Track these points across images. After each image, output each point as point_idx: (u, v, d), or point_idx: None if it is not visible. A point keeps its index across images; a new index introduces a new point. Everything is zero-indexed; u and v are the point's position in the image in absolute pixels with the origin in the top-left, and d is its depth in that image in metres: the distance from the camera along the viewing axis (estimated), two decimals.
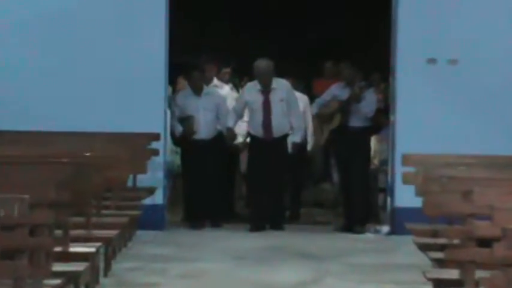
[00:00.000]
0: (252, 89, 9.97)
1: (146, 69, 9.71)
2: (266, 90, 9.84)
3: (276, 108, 9.80)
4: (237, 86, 11.09)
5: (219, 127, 10.03)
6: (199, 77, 10.18)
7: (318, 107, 10.01)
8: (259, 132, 9.84)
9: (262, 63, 9.89)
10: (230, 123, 9.90)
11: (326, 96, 9.98)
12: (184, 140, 10.10)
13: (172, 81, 10.73)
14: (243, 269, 7.92)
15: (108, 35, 9.70)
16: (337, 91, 9.90)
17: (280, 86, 9.94)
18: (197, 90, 10.07)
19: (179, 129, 10.04)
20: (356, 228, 9.77)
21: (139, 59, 9.66)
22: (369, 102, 9.81)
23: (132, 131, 9.15)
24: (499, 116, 9.55)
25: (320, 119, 10.04)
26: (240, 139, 10.19)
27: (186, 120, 9.97)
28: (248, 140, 10.14)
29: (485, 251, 4.71)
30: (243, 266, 8.04)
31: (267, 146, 9.81)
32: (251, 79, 10.28)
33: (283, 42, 13.36)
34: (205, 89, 10.16)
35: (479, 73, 9.61)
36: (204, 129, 9.93)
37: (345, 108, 9.74)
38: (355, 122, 9.81)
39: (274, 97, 9.83)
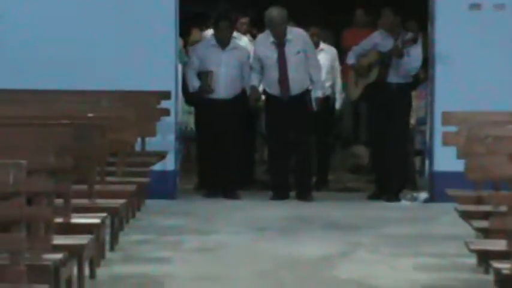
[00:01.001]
0: (264, 42, 9.95)
1: (155, 20, 9.73)
2: (280, 42, 9.79)
3: (293, 63, 9.77)
4: (256, 38, 11.04)
5: (242, 86, 9.98)
6: (228, 27, 10.07)
7: (356, 56, 9.90)
8: (275, 90, 9.82)
9: (274, 12, 9.81)
10: (254, 81, 9.87)
11: (366, 44, 9.93)
12: (200, 98, 10.06)
13: (183, 33, 10.69)
14: (264, 242, 7.99)
15: None
16: (378, 39, 9.84)
17: (296, 36, 9.88)
18: (223, 43, 9.97)
19: (195, 85, 9.95)
20: (391, 196, 9.81)
21: (147, 9, 9.67)
22: (414, 58, 9.72)
23: (139, 89, 9.18)
24: None
25: (356, 71, 9.93)
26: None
27: (204, 76, 9.91)
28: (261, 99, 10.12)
29: None
30: (264, 239, 8.11)
31: (286, 105, 9.80)
32: None
33: None
34: (233, 42, 10.10)
35: None
36: (224, 88, 9.89)
37: (386, 61, 9.69)
38: (395, 78, 9.77)
39: (290, 50, 9.79)
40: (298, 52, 9.78)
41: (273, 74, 9.77)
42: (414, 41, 9.67)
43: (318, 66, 9.96)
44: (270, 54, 9.80)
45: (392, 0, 10.58)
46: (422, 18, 10.23)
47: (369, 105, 10.35)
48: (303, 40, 9.92)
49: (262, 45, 9.94)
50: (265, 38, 9.94)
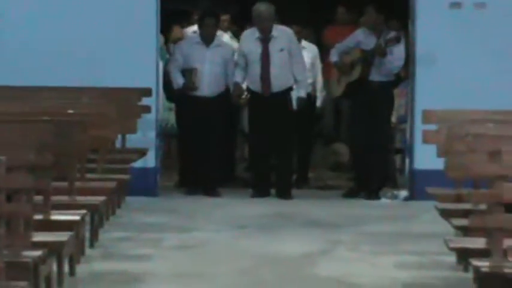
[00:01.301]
0: (250, 38, 9.94)
1: (136, 16, 9.69)
2: (265, 38, 9.79)
3: (276, 59, 9.76)
4: (237, 35, 11.01)
5: (226, 83, 9.98)
6: (214, 24, 10.05)
7: (338, 54, 9.91)
8: (257, 86, 9.81)
9: (262, 7, 9.81)
10: (238, 78, 9.88)
11: (348, 42, 9.94)
12: (183, 95, 10.03)
13: (164, 30, 10.66)
14: (245, 239, 7.99)
15: None
16: (361, 37, 9.85)
17: (282, 34, 9.89)
18: (208, 40, 9.97)
19: (179, 82, 9.92)
20: (371, 194, 9.83)
21: (128, 5, 9.65)
22: (397, 57, 9.74)
23: (120, 86, 9.15)
24: None
25: (339, 68, 9.93)
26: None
27: (188, 73, 9.90)
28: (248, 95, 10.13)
29: None
30: (245, 236, 8.11)
31: (267, 102, 9.79)
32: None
33: None
34: (217, 39, 10.09)
35: (510, 18, 9.59)
36: (208, 85, 9.87)
37: (368, 59, 9.70)
38: (377, 77, 9.78)
39: (274, 46, 9.79)
40: (282, 49, 9.77)
41: (256, 69, 9.77)
42: (397, 40, 9.65)
43: (303, 66, 9.97)
44: (255, 49, 9.80)
45: None
46: (404, 16, 10.25)
47: (351, 103, 10.34)
48: (287, 38, 9.91)
49: (248, 41, 9.94)
50: (251, 33, 9.94)
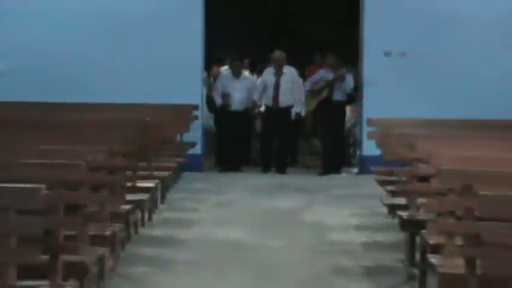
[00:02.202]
0: (269, 72, 9.83)
1: (187, 60, 9.58)
2: (278, 73, 9.72)
3: (283, 87, 9.68)
4: (252, 72, 10.97)
5: (248, 103, 9.90)
6: (239, 65, 10.07)
7: (311, 84, 9.82)
8: (270, 102, 9.76)
9: (277, 54, 9.75)
10: (256, 97, 9.85)
11: (316, 77, 9.83)
12: (221, 109, 10.00)
13: (206, 67, 10.58)
14: (256, 199, 7.98)
15: (161, 34, 9.50)
16: (324, 73, 9.76)
17: (289, 71, 9.80)
18: (237, 75, 9.93)
19: (219, 102, 9.90)
20: (335, 171, 9.77)
21: (183, 54, 9.51)
22: (349, 82, 9.68)
23: (179, 103, 9.05)
24: (438, 93, 9.44)
25: (312, 93, 9.94)
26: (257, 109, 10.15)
27: (225, 96, 9.86)
28: (262, 109, 10.04)
29: (424, 184, 4.76)
30: (256, 197, 8.09)
31: (276, 113, 9.73)
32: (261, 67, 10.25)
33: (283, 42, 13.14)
34: (242, 74, 10.07)
35: (422, 62, 9.49)
36: (237, 104, 9.83)
37: (331, 85, 9.62)
38: (338, 96, 9.70)
39: (284, 79, 9.71)
40: (287, 82, 9.72)
41: (270, 92, 9.70)
42: (347, 72, 9.69)
43: (300, 92, 9.84)
44: (270, 80, 9.72)
45: (333, 43, 10.58)
46: (355, 59, 10.16)
47: (320, 114, 10.26)
48: (293, 74, 9.85)
49: (267, 74, 9.82)
50: (270, 69, 9.83)
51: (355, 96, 10.21)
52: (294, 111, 9.80)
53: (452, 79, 9.45)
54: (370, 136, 7.02)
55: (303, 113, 10.20)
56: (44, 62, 9.36)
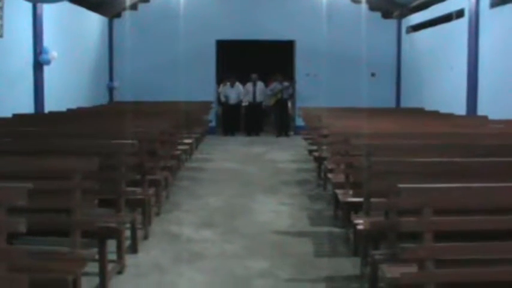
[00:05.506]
0: (249, 84, 9.65)
1: (207, 80, 9.34)
2: (254, 84, 9.59)
3: (257, 92, 9.55)
4: (240, 83, 10.61)
5: (239, 100, 9.61)
6: (233, 80, 9.76)
7: (270, 91, 9.66)
8: (250, 99, 9.58)
9: (254, 75, 9.63)
10: (242, 97, 9.62)
11: (273, 87, 9.67)
12: (225, 103, 9.73)
13: (217, 82, 10.27)
14: (242, 148, 7.87)
15: (195, 67, 9.19)
16: (277, 84, 9.58)
17: (260, 84, 9.65)
18: (232, 85, 9.69)
19: (223, 100, 9.69)
20: (284, 134, 9.61)
21: (206, 77, 9.23)
22: (290, 89, 9.51)
23: (204, 100, 8.73)
24: (335, 94, 8.90)
25: (271, 95, 9.71)
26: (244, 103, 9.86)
27: (226, 97, 9.61)
28: (245, 104, 9.82)
29: (326, 139, 4.42)
30: (242, 147, 7.98)
31: (253, 105, 9.56)
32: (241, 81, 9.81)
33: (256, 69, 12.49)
34: (235, 85, 9.79)
35: (328, 81, 9.20)
36: (232, 101, 9.59)
37: (281, 91, 9.46)
38: (285, 96, 9.52)
39: (257, 88, 9.56)
40: (259, 89, 9.55)
41: (251, 95, 9.52)
42: (290, 84, 9.52)
43: (266, 94, 9.61)
44: (250, 88, 9.56)
45: (281, 69, 10.26)
46: (292, 77, 9.89)
47: (276, 106, 9.96)
48: (261, 85, 9.64)
49: (249, 85, 9.61)
50: (250, 83, 9.59)
51: (293, 96, 10.05)
52: (263, 104, 9.68)
53: (341, 87, 9.29)
54: (300, 115, 6.93)
55: (267, 105, 10.04)
56: (139, 79, 9.29)
